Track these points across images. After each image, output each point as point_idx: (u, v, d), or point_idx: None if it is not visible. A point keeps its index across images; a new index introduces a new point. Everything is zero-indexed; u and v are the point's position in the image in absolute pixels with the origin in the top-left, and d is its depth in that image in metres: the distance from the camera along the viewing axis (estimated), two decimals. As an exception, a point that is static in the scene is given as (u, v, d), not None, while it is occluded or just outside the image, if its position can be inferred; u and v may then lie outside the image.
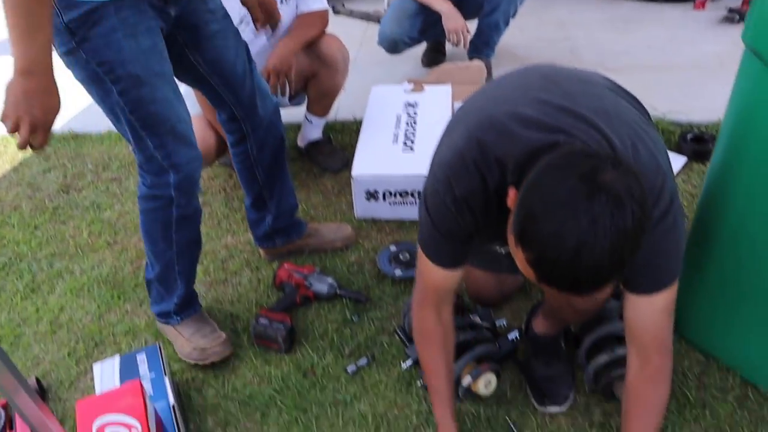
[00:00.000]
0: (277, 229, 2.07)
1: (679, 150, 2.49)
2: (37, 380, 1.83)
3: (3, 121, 1.27)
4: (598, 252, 0.92)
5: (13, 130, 1.27)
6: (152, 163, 1.54)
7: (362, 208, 2.27)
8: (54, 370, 1.89)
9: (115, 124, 1.52)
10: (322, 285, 1.96)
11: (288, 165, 2.00)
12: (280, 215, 2.04)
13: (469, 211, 1.21)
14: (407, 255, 2.04)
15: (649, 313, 1.26)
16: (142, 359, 1.68)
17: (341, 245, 2.16)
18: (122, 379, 1.61)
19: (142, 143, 1.50)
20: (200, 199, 2.45)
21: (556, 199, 0.95)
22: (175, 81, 1.53)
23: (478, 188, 1.18)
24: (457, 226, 1.25)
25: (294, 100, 2.51)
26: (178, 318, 1.85)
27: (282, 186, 1.99)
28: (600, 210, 0.91)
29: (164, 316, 1.86)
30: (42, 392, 1.80)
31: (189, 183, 1.58)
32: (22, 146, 1.30)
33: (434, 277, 1.35)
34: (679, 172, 2.39)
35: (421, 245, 1.34)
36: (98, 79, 1.42)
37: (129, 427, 1.35)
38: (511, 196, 1.06)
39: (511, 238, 1.03)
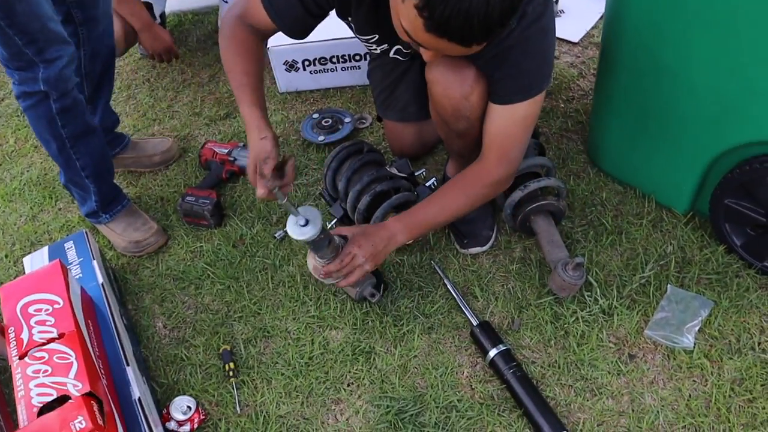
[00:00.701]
0: None
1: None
2: (-23, 282, 1.85)
3: None
4: None
5: None
6: (20, 58, 1.47)
7: (284, 81, 2.23)
8: (-7, 272, 1.91)
9: None
10: (246, 158, 1.95)
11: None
12: (104, 130, 1.93)
13: None
14: (330, 120, 2.02)
15: (506, 122, 1.30)
16: (69, 246, 1.69)
17: (160, 160, 2.08)
18: (51, 265, 1.62)
19: (10, 41, 1.42)
20: (124, 94, 2.44)
21: None
22: None
23: None
24: None
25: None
26: (107, 216, 1.84)
27: (107, 100, 1.92)
28: None
29: (93, 216, 1.86)
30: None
31: (59, 78, 1.52)
32: None
33: (259, 18, 1.31)
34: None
35: None
36: None
37: (52, 303, 1.38)
38: None
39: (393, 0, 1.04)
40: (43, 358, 1.27)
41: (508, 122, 1.31)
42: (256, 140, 1.23)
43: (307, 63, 2.15)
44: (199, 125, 2.24)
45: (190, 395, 1.48)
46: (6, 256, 1.94)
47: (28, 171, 2.22)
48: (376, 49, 1.51)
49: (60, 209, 2.05)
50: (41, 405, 1.19)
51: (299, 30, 1.35)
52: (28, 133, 2.37)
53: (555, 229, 1.60)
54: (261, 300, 1.65)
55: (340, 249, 1.38)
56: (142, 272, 1.79)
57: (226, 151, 1.97)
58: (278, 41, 2.13)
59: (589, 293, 1.52)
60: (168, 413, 1.43)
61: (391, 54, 1.52)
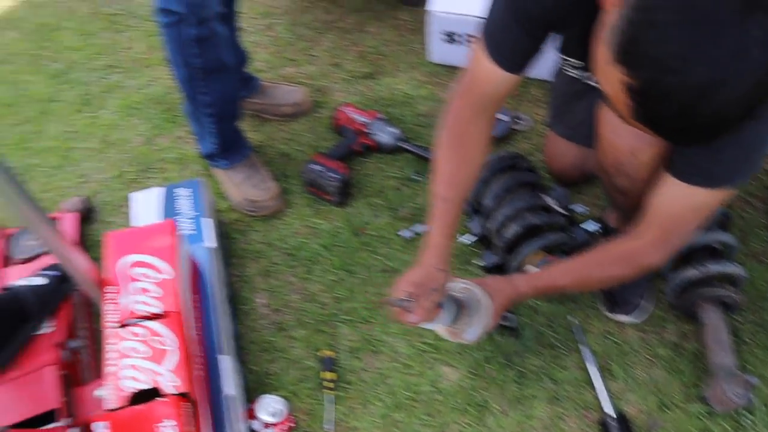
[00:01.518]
0: None
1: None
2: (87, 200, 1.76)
3: None
4: (736, 92, 0.69)
5: None
6: None
7: (438, 51, 1.98)
8: (102, 191, 1.81)
9: None
10: (385, 134, 1.76)
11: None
12: None
13: None
14: (486, 116, 1.79)
15: (678, 201, 1.05)
16: (184, 194, 1.55)
17: (290, 112, 1.89)
18: (163, 214, 1.50)
19: None
20: (263, 22, 2.25)
21: (693, 6, 0.69)
22: None
23: None
24: (537, 8, 1.02)
25: None
26: (226, 162, 1.71)
27: (232, 33, 1.69)
28: (757, 34, 0.67)
29: (211, 158, 1.73)
30: (89, 213, 1.74)
31: (199, 3, 1.35)
32: None
33: (484, 76, 1.12)
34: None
35: (482, 29, 1.10)
36: None
37: (158, 270, 1.25)
38: None
39: (602, 52, 0.79)
40: (141, 336, 1.15)
41: (681, 203, 1.05)
42: (431, 267, 1.16)
43: (469, 37, 1.89)
44: (337, 79, 2.04)
45: (280, 395, 1.35)
46: (117, 176, 1.84)
47: (152, 85, 2.10)
48: (572, 73, 1.27)
49: (179, 138, 1.93)
50: (133, 392, 1.08)
51: (520, 60, 1.10)
52: (160, 43, 2.24)
53: (724, 326, 1.35)
54: (374, 307, 1.49)
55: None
56: (251, 235, 1.66)
57: (366, 121, 1.77)
58: (441, 6, 1.88)
59: (749, 415, 1.29)
60: (253, 411, 1.32)
61: (592, 83, 1.27)
